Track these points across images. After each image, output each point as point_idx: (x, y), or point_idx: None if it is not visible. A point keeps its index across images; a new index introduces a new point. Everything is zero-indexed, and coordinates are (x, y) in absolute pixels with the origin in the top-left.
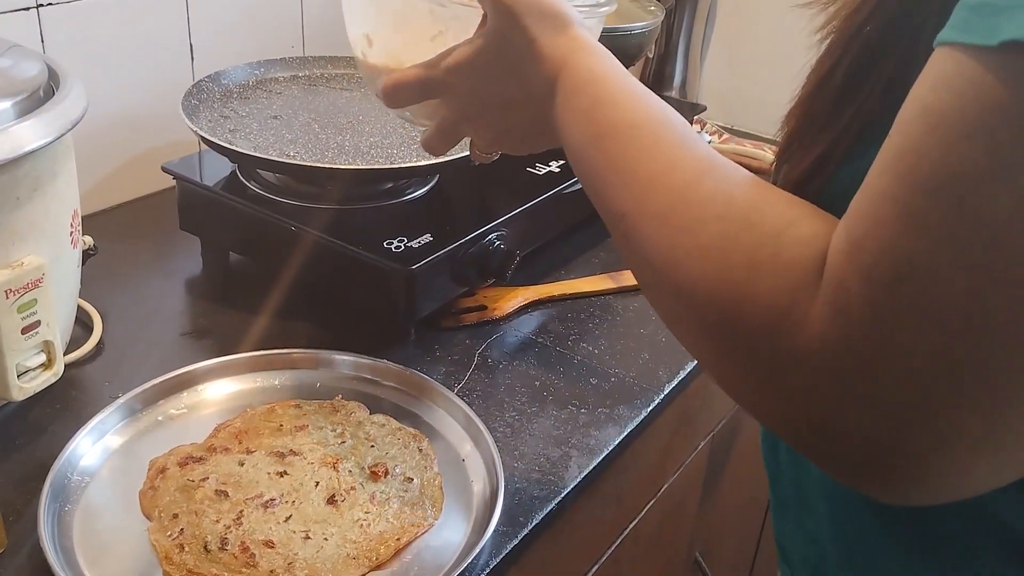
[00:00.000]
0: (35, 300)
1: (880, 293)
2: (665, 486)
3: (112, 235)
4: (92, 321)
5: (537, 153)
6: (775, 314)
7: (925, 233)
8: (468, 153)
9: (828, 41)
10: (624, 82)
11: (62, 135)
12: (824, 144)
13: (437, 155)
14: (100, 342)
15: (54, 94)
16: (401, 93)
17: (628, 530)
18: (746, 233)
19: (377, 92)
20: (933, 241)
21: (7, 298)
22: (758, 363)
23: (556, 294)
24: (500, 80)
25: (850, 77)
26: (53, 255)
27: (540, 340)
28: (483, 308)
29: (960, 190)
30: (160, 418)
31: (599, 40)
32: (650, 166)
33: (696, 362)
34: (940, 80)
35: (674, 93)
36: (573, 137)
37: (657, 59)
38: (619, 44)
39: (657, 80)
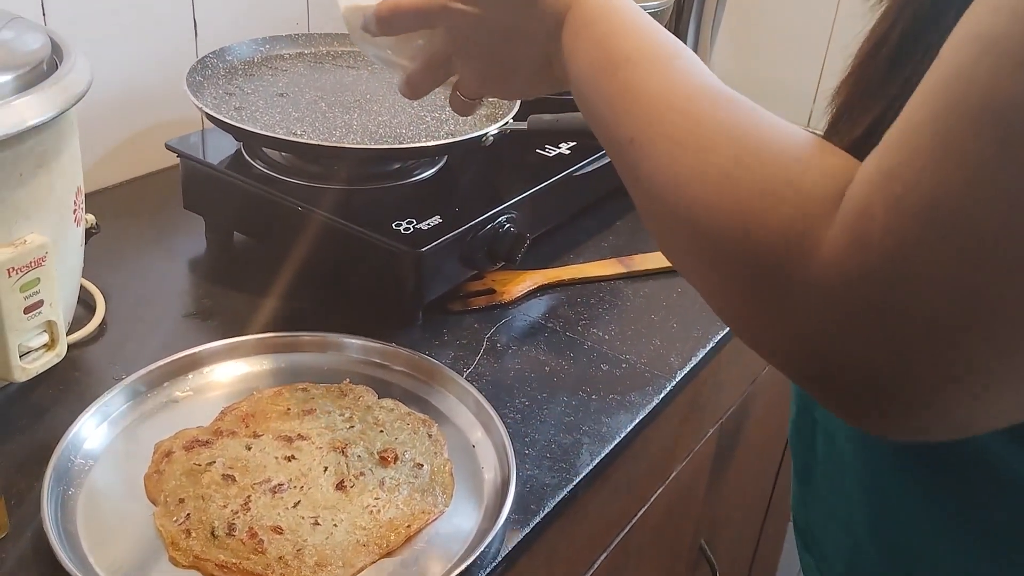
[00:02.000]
0: (38, 279)
1: (909, 223)
2: (674, 474)
3: (115, 213)
4: (95, 301)
5: (526, 98)
6: (787, 241)
7: (966, 163)
8: (475, 134)
9: (883, 7)
10: (638, 14)
11: (66, 109)
12: (875, 112)
13: (418, 96)
14: (103, 322)
15: (57, 68)
16: (398, 18)
17: (637, 518)
18: (761, 160)
19: (366, 22)
20: (973, 172)
21: (9, 277)
22: (766, 291)
23: (566, 278)
24: (508, 8)
25: (903, 42)
26: (56, 233)
27: (550, 325)
28: (491, 292)
29: (1009, 119)
30: (165, 400)
31: None
32: (663, 92)
33: (706, 349)
34: (996, 3)
35: None
36: (582, 67)
37: None
38: None
39: None
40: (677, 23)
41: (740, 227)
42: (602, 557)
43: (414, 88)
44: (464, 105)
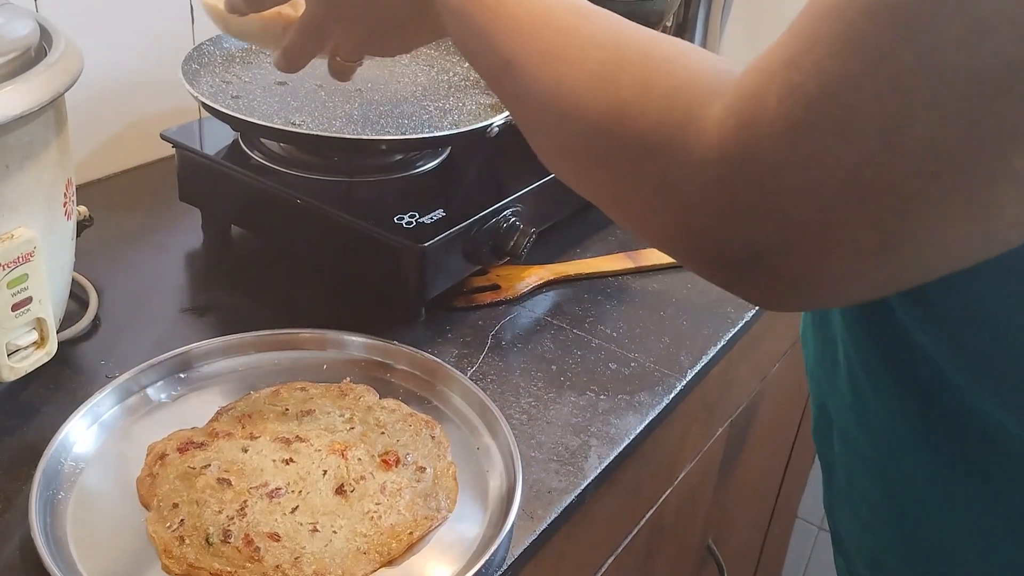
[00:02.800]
0: (26, 275)
1: (803, 110)
2: (682, 474)
3: (108, 205)
4: (87, 295)
5: (406, 52)
6: (667, 129)
7: (864, 52)
8: (479, 124)
9: None
10: None
11: (55, 99)
12: None
13: (296, 69)
14: (96, 318)
15: (46, 55)
16: None
17: (645, 520)
18: (636, 61)
19: (232, 2)
20: (870, 61)
21: None
22: (649, 179)
23: (572, 274)
24: None
25: None
26: (45, 227)
27: (556, 322)
28: (496, 288)
29: (908, 14)
30: (159, 400)
31: (620, 8)
32: (532, 11)
33: (717, 347)
34: None
35: None
36: (451, 8)
37: (675, 29)
38: (639, 12)
39: None
40: (686, 11)
41: (619, 119)
42: (609, 560)
43: (292, 60)
44: (343, 69)
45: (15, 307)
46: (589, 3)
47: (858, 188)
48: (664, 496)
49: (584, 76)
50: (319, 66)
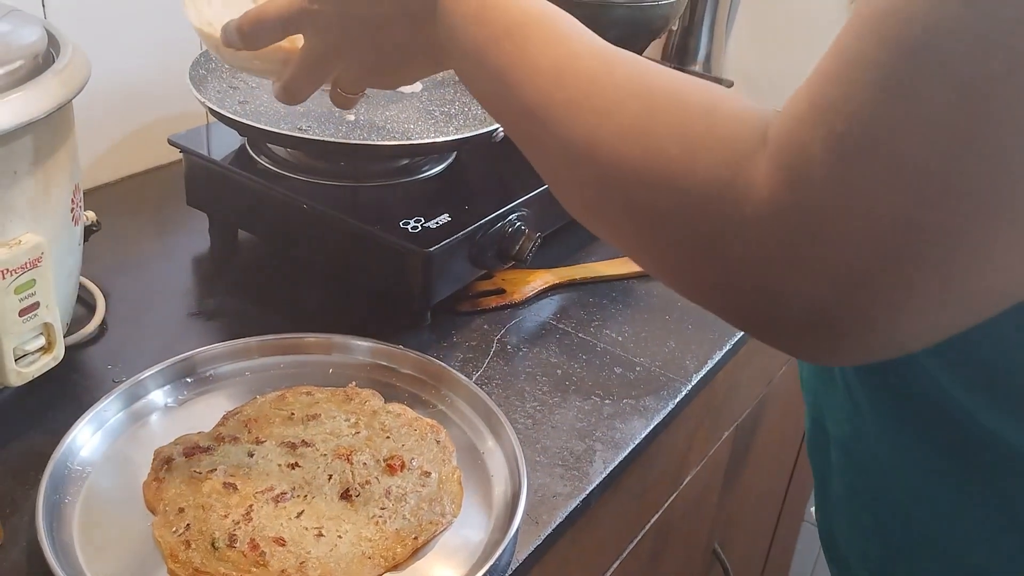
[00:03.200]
0: (33, 281)
1: (850, 157)
2: (688, 478)
3: (116, 210)
4: (95, 300)
5: (407, 84)
6: (716, 186)
7: (907, 97)
8: (485, 129)
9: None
10: None
11: (62, 105)
12: None
13: (298, 101)
14: (103, 323)
15: (54, 62)
16: (262, 31)
17: (650, 524)
18: (673, 111)
19: (227, 35)
20: (915, 104)
21: (3, 279)
22: (698, 238)
23: (578, 278)
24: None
25: None
26: (53, 233)
27: (561, 326)
28: (501, 292)
29: (949, 53)
30: (165, 404)
31: (625, 12)
32: (554, 58)
33: (723, 351)
34: None
35: (698, 67)
36: (463, 44)
37: (681, 32)
38: (645, 16)
39: (681, 54)
40: (691, 15)
41: (665, 178)
42: (615, 565)
43: (293, 95)
44: (345, 101)
45: (22, 312)
46: (610, 46)
47: (915, 233)
48: (670, 500)
49: (619, 129)
50: None
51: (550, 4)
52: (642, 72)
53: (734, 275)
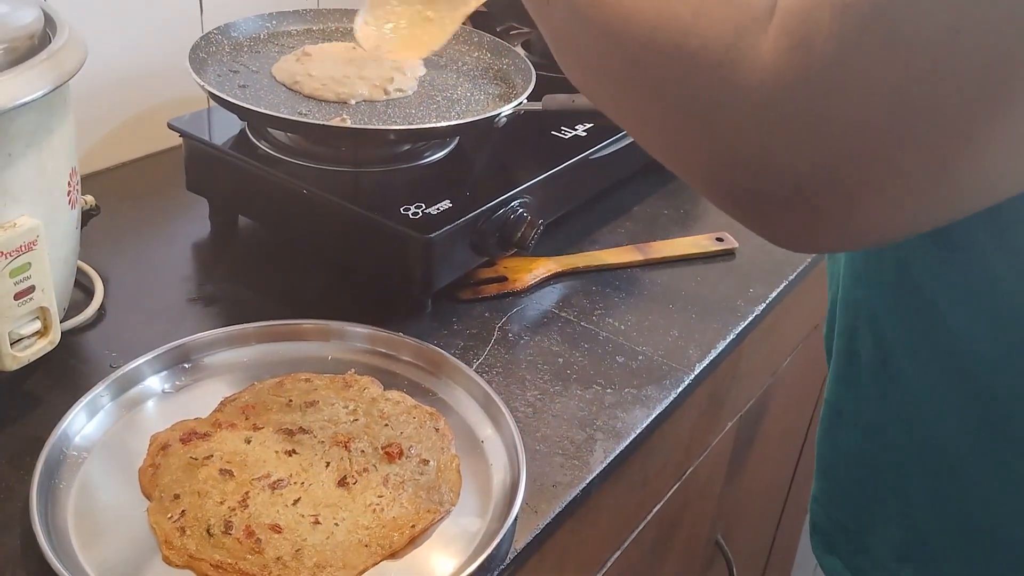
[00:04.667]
0: (29, 264)
1: (855, 29)
2: (690, 469)
3: (116, 194)
4: (93, 285)
5: None
6: (721, 50)
7: None
8: (487, 114)
9: None
10: None
11: (58, 86)
12: None
13: None
14: (101, 307)
15: (50, 43)
16: None
17: (652, 515)
18: None
19: None
20: None
21: None
22: (698, 104)
23: (580, 266)
24: None
25: None
26: (49, 216)
27: (563, 314)
28: (503, 279)
29: None
30: (162, 390)
31: None
32: None
33: (726, 341)
34: None
35: None
36: None
37: None
38: None
39: None
40: None
41: (671, 36)
42: (615, 555)
43: None
44: None
45: (17, 296)
46: None
47: (906, 109)
48: (672, 491)
49: None
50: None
51: None
52: None
53: (728, 143)
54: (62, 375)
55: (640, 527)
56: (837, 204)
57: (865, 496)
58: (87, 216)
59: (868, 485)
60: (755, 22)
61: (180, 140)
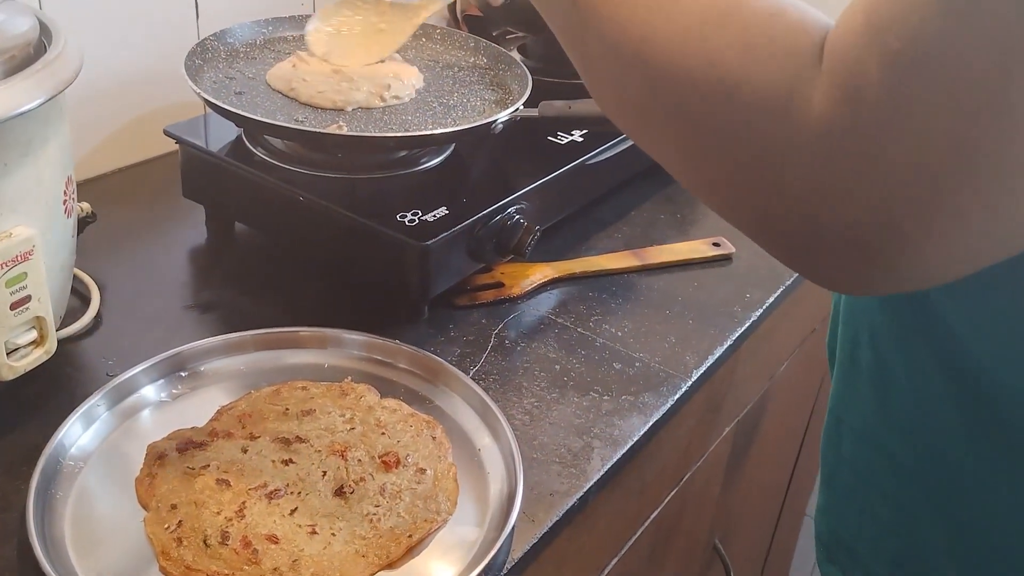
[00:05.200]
0: (25, 274)
1: (905, 77)
2: (688, 475)
3: (111, 201)
4: (89, 292)
5: None
6: (772, 98)
7: (963, 14)
8: (483, 121)
9: None
10: None
11: (53, 96)
12: None
13: None
14: (98, 315)
15: (45, 52)
16: None
17: (649, 521)
18: (733, 15)
19: None
20: (971, 21)
21: None
22: (747, 152)
23: (577, 272)
24: None
25: None
26: (45, 225)
27: (560, 320)
28: (500, 285)
29: None
30: (159, 399)
31: None
32: None
33: (724, 347)
34: None
35: None
36: None
37: None
38: None
39: None
40: None
41: (722, 86)
42: (613, 561)
43: None
44: None
45: (13, 306)
46: None
47: (961, 152)
48: (669, 497)
49: (677, 30)
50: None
51: None
52: None
53: (781, 191)
54: (58, 384)
55: (638, 533)
56: (894, 248)
57: (863, 505)
58: (83, 223)
59: (866, 494)
60: (805, 70)
61: (175, 146)
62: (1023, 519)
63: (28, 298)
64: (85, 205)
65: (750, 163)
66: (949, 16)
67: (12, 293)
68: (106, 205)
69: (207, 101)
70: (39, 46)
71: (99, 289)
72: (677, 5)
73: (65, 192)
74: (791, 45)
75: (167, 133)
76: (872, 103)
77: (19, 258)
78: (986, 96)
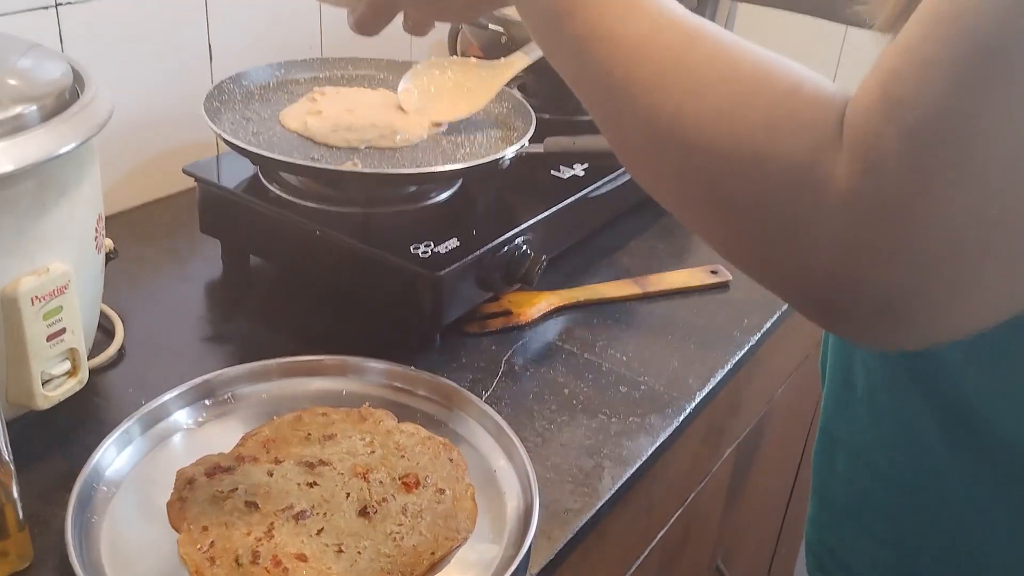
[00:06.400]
0: (60, 307)
1: (923, 151)
2: (692, 495)
3: (131, 237)
4: (113, 326)
5: (471, 20)
6: (798, 172)
7: (977, 95)
8: (493, 157)
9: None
10: None
11: (89, 138)
12: None
13: (370, 35)
14: (122, 348)
15: (79, 96)
16: None
17: (656, 541)
18: (759, 94)
19: None
20: (984, 103)
21: (33, 305)
22: (777, 223)
23: (582, 299)
24: None
25: None
26: (78, 261)
27: (567, 346)
28: (508, 314)
29: (1015, 56)
30: (185, 426)
31: None
32: (632, 30)
33: (725, 370)
34: None
35: None
36: (537, 6)
37: None
38: None
39: None
40: None
41: (750, 161)
42: None
43: (365, 29)
44: (416, 29)
45: (50, 338)
46: (689, 13)
47: (985, 225)
48: (675, 517)
49: (706, 110)
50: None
51: None
52: (726, 48)
53: (811, 260)
54: (88, 413)
55: (645, 553)
56: (924, 311)
57: (857, 519)
58: (106, 259)
59: (860, 508)
60: (827, 143)
61: (188, 184)
62: (1008, 533)
63: (63, 330)
64: (108, 241)
65: (781, 233)
66: (963, 93)
67: (49, 325)
68: (127, 241)
69: (228, 142)
70: (72, 91)
71: (122, 322)
72: (706, 87)
73: (96, 229)
74: (812, 120)
75: (186, 172)
76: (892, 176)
77: (55, 292)
78: (1008, 173)
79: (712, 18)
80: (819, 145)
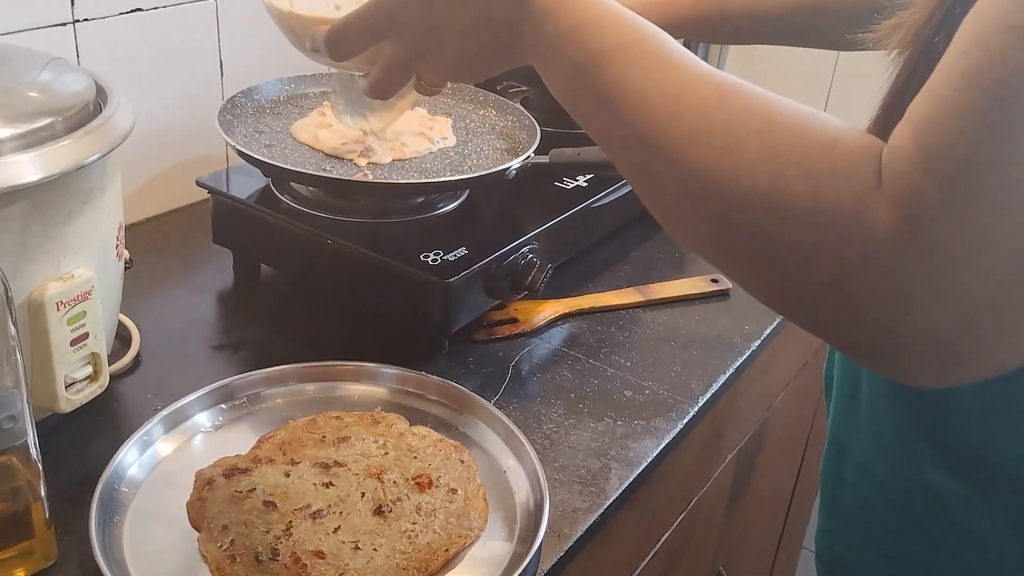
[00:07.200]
0: (84, 312)
1: (962, 199)
2: (695, 499)
3: (145, 248)
4: (130, 334)
5: (488, 76)
6: (844, 223)
7: (1010, 144)
8: (499, 168)
9: (903, 57)
10: (601, 0)
11: (114, 148)
12: None
13: (385, 98)
14: (138, 355)
15: (102, 108)
16: (346, 41)
17: (660, 543)
18: (796, 148)
19: (315, 44)
20: (1018, 151)
21: (58, 310)
22: (824, 272)
23: (586, 307)
24: (456, 8)
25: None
26: (100, 268)
27: (572, 353)
28: (514, 321)
29: None
30: (202, 429)
31: None
32: (660, 88)
33: (726, 375)
34: None
35: None
36: (557, 64)
37: None
38: None
39: None
40: None
41: (795, 214)
42: None
43: (379, 91)
44: (428, 91)
45: (73, 342)
46: (713, 70)
47: None
48: (678, 520)
49: (742, 165)
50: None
51: (646, 24)
52: (755, 102)
53: (860, 307)
54: (107, 417)
55: (650, 555)
56: (971, 350)
57: (863, 530)
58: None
59: (866, 520)
60: (868, 194)
61: (200, 196)
62: (1002, 545)
63: (86, 335)
64: (125, 251)
65: (828, 282)
66: (998, 143)
67: (73, 330)
68: (142, 251)
69: (242, 153)
70: (96, 104)
71: (138, 330)
72: (740, 142)
73: (117, 237)
74: (853, 171)
75: (200, 184)
76: (935, 224)
77: (79, 298)
78: None
79: (705, 55)
80: (861, 196)
